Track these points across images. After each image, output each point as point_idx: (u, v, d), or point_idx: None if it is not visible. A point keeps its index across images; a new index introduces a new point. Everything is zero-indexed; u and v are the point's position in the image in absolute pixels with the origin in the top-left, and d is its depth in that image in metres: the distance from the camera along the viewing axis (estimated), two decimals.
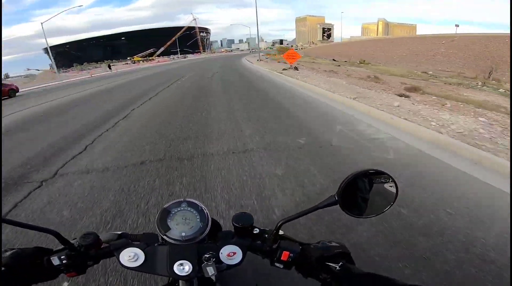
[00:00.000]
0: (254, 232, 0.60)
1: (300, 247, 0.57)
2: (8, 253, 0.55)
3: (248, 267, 0.59)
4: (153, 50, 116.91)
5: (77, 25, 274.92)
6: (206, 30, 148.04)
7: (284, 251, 0.55)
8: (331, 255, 0.53)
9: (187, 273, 0.52)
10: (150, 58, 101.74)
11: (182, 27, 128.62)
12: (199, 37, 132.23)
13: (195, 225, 0.57)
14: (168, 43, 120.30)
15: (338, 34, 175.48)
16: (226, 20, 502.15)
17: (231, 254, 0.55)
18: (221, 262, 0.55)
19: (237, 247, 0.56)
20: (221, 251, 0.55)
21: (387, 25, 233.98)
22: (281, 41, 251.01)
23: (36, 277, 0.56)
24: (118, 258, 0.55)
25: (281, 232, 0.59)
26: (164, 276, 0.57)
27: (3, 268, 0.52)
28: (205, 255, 0.53)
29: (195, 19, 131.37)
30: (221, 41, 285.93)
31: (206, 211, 0.60)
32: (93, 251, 0.58)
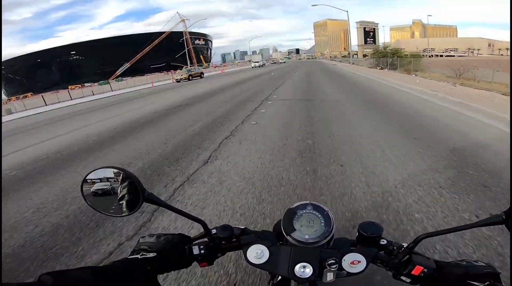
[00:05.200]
0: (381, 242, 0.57)
1: (435, 264, 0.54)
2: (161, 238, 0.59)
3: (365, 277, 0.58)
4: None
5: None
6: (204, 37, 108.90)
7: (417, 266, 0.53)
8: (477, 274, 0.49)
9: (307, 276, 0.52)
10: None
11: (162, 33, 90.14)
12: (190, 46, 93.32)
13: (319, 229, 0.57)
14: (134, 59, 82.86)
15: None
16: (238, 32, 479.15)
17: (355, 262, 0.54)
18: (342, 269, 0.54)
19: (362, 256, 0.54)
20: (344, 258, 0.54)
21: (423, 27, 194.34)
22: (297, 51, 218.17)
23: (175, 264, 0.59)
24: (245, 253, 0.57)
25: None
26: (282, 276, 0.56)
27: (155, 254, 0.56)
28: (329, 261, 0.52)
29: (183, 21, 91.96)
30: (234, 53, 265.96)
31: (331, 216, 0.59)
32: (225, 244, 0.61)
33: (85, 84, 64.30)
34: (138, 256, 0.56)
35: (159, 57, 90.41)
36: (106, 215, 0.58)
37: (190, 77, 29.13)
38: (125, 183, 0.56)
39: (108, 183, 0.58)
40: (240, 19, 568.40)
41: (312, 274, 0.51)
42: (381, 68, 23.73)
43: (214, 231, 0.61)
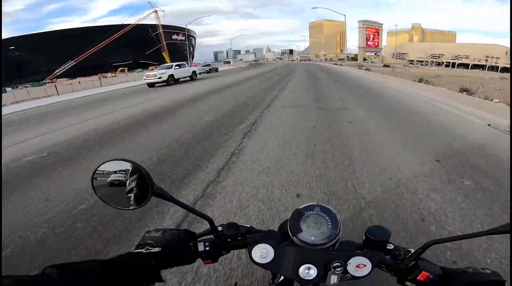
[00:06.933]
0: (388, 247, 0.57)
1: (441, 270, 0.52)
2: (167, 234, 0.59)
3: (369, 281, 0.57)
4: None
5: None
6: (184, 32, 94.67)
7: (423, 271, 0.52)
8: (483, 282, 0.49)
9: (311, 278, 0.52)
10: None
11: (127, 25, 74.77)
12: (164, 42, 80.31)
13: (326, 231, 0.57)
14: (81, 57, 67.99)
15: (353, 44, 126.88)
16: (233, 30, 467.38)
17: (360, 265, 0.53)
18: (346, 272, 0.53)
19: (367, 260, 0.54)
20: (349, 261, 0.54)
21: (422, 32, 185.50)
22: (291, 51, 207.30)
23: (180, 260, 0.59)
24: (250, 252, 0.57)
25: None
26: (286, 276, 0.56)
27: (159, 249, 0.56)
28: (334, 263, 0.52)
29: (155, 12, 77.54)
30: (226, 51, 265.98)
31: (339, 218, 0.59)
32: (230, 242, 0.60)
33: None
34: (143, 250, 0.56)
35: (126, 54, 77.28)
36: (113, 208, 0.58)
37: None
38: (134, 176, 0.56)
39: (122, 175, 0.58)
40: (237, 18, 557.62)
41: (316, 276, 0.51)
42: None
43: (220, 228, 0.61)
